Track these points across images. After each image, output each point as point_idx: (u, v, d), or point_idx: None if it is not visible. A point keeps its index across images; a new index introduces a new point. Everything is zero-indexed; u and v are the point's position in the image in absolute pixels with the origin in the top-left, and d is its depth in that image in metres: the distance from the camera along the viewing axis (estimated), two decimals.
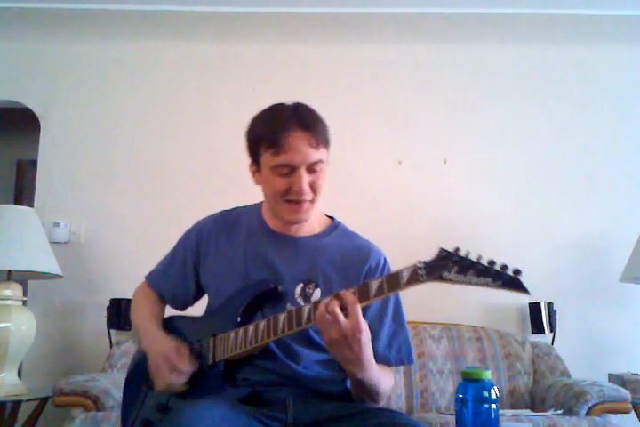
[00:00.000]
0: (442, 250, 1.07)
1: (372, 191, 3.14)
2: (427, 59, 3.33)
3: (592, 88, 3.30)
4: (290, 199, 1.34)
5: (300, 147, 1.31)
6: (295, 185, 1.32)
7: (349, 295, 1.14)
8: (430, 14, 3.08)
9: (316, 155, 1.32)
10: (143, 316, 1.50)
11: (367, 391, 1.28)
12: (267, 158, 1.34)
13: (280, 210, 1.38)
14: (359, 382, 1.24)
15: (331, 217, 1.53)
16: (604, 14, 3.05)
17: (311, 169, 1.33)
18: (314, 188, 1.34)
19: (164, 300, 1.56)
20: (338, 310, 1.13)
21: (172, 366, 1.31)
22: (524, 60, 3.32)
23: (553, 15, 3.07)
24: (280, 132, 1.31)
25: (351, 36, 3.26)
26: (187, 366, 1.31)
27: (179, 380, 1.30)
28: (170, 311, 1.56)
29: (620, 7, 3.01)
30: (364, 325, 1.15)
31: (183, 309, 1.57)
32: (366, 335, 1.16)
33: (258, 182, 1.42)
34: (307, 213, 1.37)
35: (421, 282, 1.08)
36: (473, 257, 1.04)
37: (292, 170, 1.32)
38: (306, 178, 1.32)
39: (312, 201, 1.36)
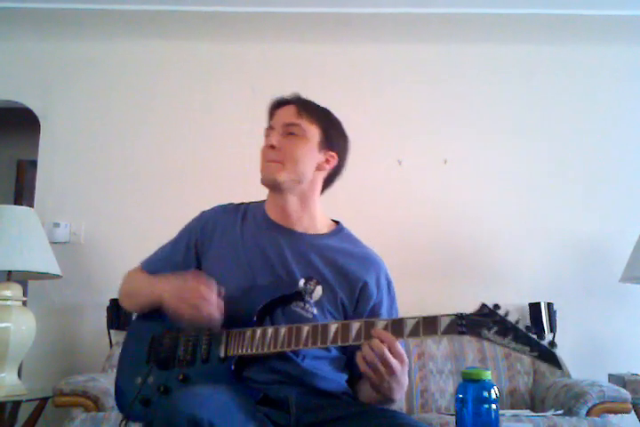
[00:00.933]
0: (483, 306, 1.09)
1: (371, 191, 3.14)
2: (427, 59, 3.32)
3: (592, 88, 3.29)
4: (264, 160, 1.44)
5: (284, 112, 1.46)
6: (265, 140, 1.46)
7: (387, 336, 1.16)
8: (430, 14, 3.07)
9: (294, 119, 1.43)
10: (143, 279, 1.50)
11: (385, 402, 1.30)
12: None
13: (260, 172, 1.46)
14: (389, 401, 1.27)
15: (336, 221, 1.54)
16: (603, 14, 3.04)
17: (287, 131, 1.43)
18: (285, 149, 1.42)
19: None
20: (387, 353, 1.14)
21: (197, 291, 1.28)
22: (524, 60, 3.32)
23: (553, 15, 3.06)
24: (276, 107, 1.49)
25: (351, 36, 3.25)
26: (211, 293, 1.28)
27: (207, 306, 1.27)
28: None
29: (620, 7, 3.01)
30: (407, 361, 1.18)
31: None
32: (407, 366, 1.19)
33: None
34: (275, 172, 1.42)
35: (459, 334, 1.11)
36: (512, 319, 1.05)
37: (271, 130, 1.46)
38: (277, 137, 1.43)
39: (281, 162, 1.42)
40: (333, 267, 1.41)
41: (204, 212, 1.56)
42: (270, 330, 1.27)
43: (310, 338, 1.22)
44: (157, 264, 1.54)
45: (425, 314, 1.17)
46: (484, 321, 1.06)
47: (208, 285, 1.30)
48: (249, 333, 1.29)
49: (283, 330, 1.25)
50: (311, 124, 1.45)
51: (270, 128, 1.47)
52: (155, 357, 1.37)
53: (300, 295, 1.36)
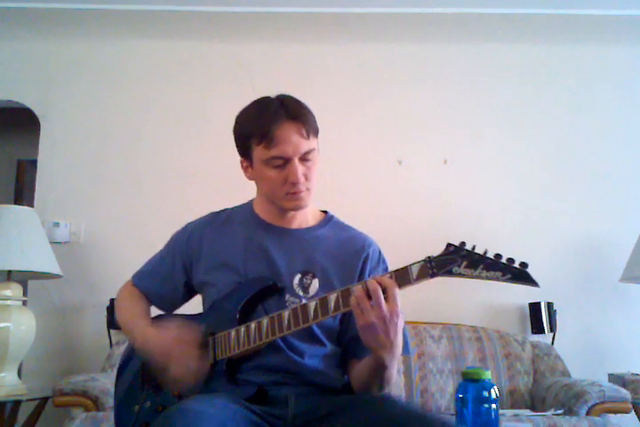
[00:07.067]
0: (449, 245, 1.10)
1: (372, 191, 3.14)
2: (427, 59, 3.32)
3: (592, 88, 3.29)
4: (287, 192, 1.35)
5: (292, 138, 1.32)
6: (291, 176, 1.33)
7: (386, 279, 1.15)
8: (430, 14, 3.08)
9: (307, 145, 1.34)
10: (132, 314, 1.47)
11: (382, 378, 1.26)
12: (259, 152, 1.34)
13: (279, 200, 1.39)
14: (382, 368, 1.23)
15: (324, 211, 1.53)
16: (604, 14, 3.04)
17: (304, 159, 1.34)
18: (308, 176, 1.36)
19: (149, 300, 1.54)
20: (380, 293, 1.13)
21: (182, 352, 1.28)
22: (524, 60, 3.32)
23: (553, 15, 3.07)
24: (270, 124, 1.31)
25: (351, 35, 3.25)
26: (196, 351, 1.28)
27: (194, 365, 1.27)
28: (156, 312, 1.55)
29: (620, 7, 3.01)
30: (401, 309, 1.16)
31: (169, 311, 1.55)
32: (402, 320, 1.16)
33: (251, 178, 1.43)
34: (305, 200, 1.38)
35: (431, 277, 1.10)
36: (479, 251, 1.07)
37: (285, 161, 1.33)
38: (300, 168, 1.33)
39: (308, 189, 1.37)
40: (331, 256, 1.41)
41: (188, 224, 1.55)
42: (253, 324, 1.27)
43: (292, 321, 1.22)
44: (146, 279, 1.53)
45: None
46: (452, 258, 1.08)
47: (189, 340, 1.29)
48: (233, 333, 1.29)
49: (265, 321, 1.25)
50: (315, 136, 1.37)
51: (279, 158, 1.32)
52: (148, 380, 1.37)
53: (277, 288, 1.34)
